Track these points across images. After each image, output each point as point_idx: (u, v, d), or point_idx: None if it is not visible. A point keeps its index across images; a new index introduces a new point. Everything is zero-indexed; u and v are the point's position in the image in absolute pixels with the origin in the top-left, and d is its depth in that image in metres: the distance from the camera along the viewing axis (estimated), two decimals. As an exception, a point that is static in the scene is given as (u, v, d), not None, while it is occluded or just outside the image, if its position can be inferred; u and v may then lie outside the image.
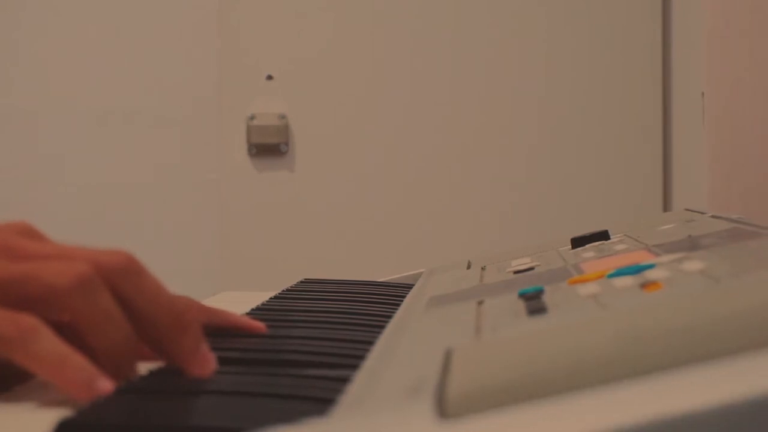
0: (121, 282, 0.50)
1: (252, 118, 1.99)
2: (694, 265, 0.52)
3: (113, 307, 0.50)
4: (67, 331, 0.49)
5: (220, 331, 0.64)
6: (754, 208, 1.18)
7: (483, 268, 0.81)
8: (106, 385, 0.46)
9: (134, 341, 0.51)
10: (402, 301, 0.75)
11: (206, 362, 0.51)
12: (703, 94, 1.48)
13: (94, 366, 0.47)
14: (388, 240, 1.98)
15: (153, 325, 0.51)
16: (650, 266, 0.55)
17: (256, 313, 0.76)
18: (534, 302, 0.53)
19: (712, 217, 0.80)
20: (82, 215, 2.15)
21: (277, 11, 2.00)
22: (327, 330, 0.65)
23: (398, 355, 0.48)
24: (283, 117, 2.00)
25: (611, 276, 0.55)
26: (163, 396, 0.45)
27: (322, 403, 0.41)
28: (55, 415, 0.40)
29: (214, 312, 0.66)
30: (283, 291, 0.86)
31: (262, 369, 0.52)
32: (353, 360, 0.51)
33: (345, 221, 1.99)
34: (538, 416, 0.31)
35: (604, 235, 0.81)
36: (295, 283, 0.92)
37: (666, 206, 1.96)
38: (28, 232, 0.52)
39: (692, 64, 1.70)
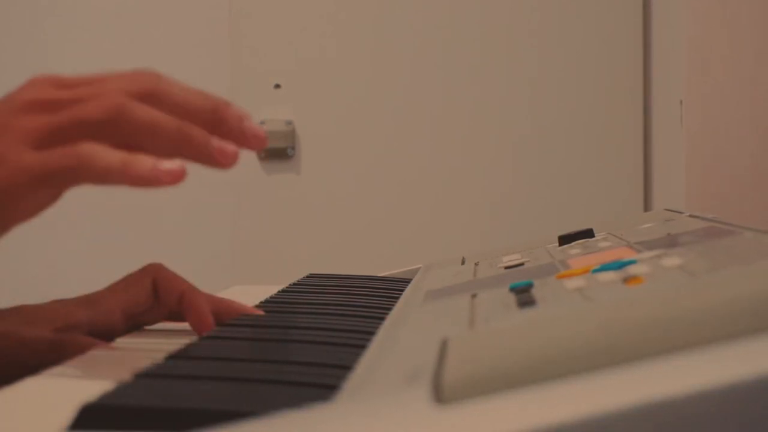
0: (156, 98, 0.49)
1: (261, 124, 1.99)
2: (672, 261, 0.53)
3: (153, 113, 0.48)
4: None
5: (227, 319, 0.64)
6: (729, 208, 1.18)
7: (476, 264, 0.81)
8: (170, 164, 0.47)
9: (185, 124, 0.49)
10: (401, 294, 0.75)
11: (260, 136, 0.50)
12: (681, 101, 1.48)
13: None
14: (388, 237, 1.98)
15: (195, 113, 0.50)
16: (632, 262, 0.55)
17: (266, 305, 0.76)
18: (524, 295, 0.53)
19: (690, 216, 0.80)
20: (104, 214, 2.14)
21: (285, 24, 2.00)
22: (331, 321, 0.65)
23: (397, 345, 0.48)
24: (289, 123, 2.00)
25: (596, 271, 0.55)
26: (180, 381, 0.45)
27: (326, 390, 0.42)
28: (79, 398, 0.40)
29: (220, 301, 0.67)
30: (291, 285, 0.86)
31: (272, 357, 0.52)
32: (355, 349, 0.51)
33: (348, 220, 1.99)
34: (527, 401, 0.31)
35: (589, 234, 0.81)
36: (301, 277, 0.92)
37: (647, 206, 1.96)
38: (56, 83, 0.51)
39: (671, 74, 1.70)
